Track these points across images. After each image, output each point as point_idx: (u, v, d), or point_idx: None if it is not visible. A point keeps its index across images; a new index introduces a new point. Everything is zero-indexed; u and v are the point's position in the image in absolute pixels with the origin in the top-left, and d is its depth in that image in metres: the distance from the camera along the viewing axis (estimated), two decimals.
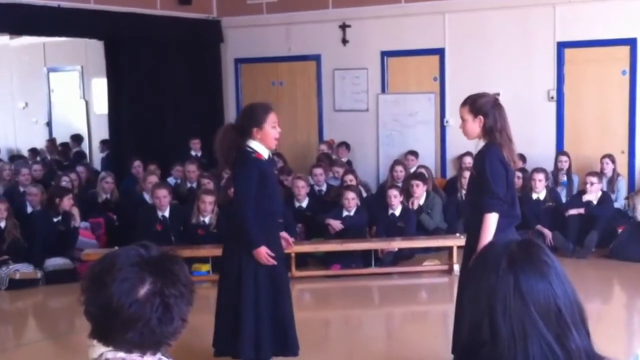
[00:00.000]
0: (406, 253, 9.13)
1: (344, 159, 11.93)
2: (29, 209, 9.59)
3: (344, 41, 12.36)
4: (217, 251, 6.50)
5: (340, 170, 10.73)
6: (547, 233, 9.30)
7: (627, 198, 9.99)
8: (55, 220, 8.98)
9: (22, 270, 8.46)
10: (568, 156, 10.50)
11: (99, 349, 1.97)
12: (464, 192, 9.81)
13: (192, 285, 2.01)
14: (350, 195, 9.21)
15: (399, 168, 10.50)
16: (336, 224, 9.13)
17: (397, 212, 9.25)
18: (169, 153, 12.07)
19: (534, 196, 9.57)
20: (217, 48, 13.32)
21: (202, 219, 8.95)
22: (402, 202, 9.34)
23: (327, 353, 6.37)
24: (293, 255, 8.40)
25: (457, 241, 8.41)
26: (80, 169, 12.02)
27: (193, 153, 12.19)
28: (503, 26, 11.13)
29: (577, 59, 10.83)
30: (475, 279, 1.89)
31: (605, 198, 9.51)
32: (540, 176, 9.58)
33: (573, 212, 9.36)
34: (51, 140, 15.03)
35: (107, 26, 11.45)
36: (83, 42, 13.82)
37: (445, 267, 8.72)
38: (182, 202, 9.88)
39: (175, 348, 2.04)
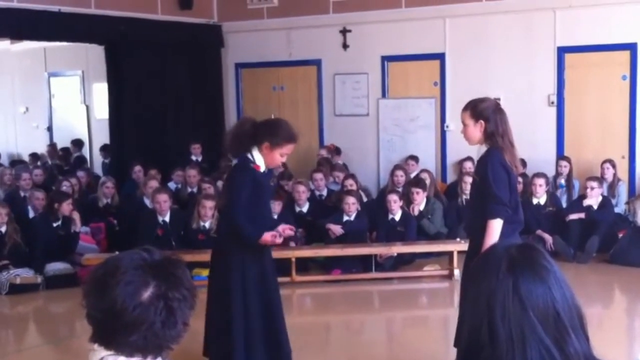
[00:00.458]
0: (407, 258, 9.13)
1: (339, 162, 11.93)
2: (32, 214, 9.58)
3: (345, 46, 12.38)
4: None
5: (340, 175, 10.74)
6: (548, 238, 9.30)
7: (627, 203, 9.98)
8: (55, 225, 8.99)
9: (23, 275, 8.46)
10: (569, 161, 10.50)
11: (99, 352, 1.96)
12: (464, 196, 9.84)
13: (195, 289, 2.01)
14: (351, 200, 9.21)
15: (400, 173, 10.50)
16: (336, 229, 9.13)
17: (397, 217, 9.25)
18: (169, 158, 12.09)
19: (535, 201, 9.58)
20: (217, 53, 13.33)
21: (202, 223, 8.96)
22: (402, 207, 9.33)
23: (328, 358, 6.36)
24: (293, 260, 8.42)
25: (458, 246, 8.42)
26: (80, 173, 12.03)
27: (194, 158, 12.20)
28: (503, 31, 11.14)
29: (578, 64, 10.84)
30: (475, 281, 1.89)
31: (606, 203, 9.52)
32: (540, 181, 9.59)
33: (574, 216, 9.37)
34: (52, 145, 15.04)
35: (107, 31, 11.47)
36: (84, 47, 13.84)
37: (446, 272, 8.71)
38: (182, 207, 9.89)
39: (175, 352, 2.05)
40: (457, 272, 8.37)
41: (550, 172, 10.36)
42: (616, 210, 9.84)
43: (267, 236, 5.06)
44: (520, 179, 9.43)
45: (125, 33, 11.57)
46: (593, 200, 9.42)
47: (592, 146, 10.86)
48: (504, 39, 11.15)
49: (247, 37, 13.07)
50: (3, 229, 8.71)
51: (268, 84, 13.22)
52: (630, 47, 10.48)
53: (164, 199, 9.01)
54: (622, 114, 10.64)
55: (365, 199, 10.37)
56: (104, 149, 14.14)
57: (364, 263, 8.84)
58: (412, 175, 10.80)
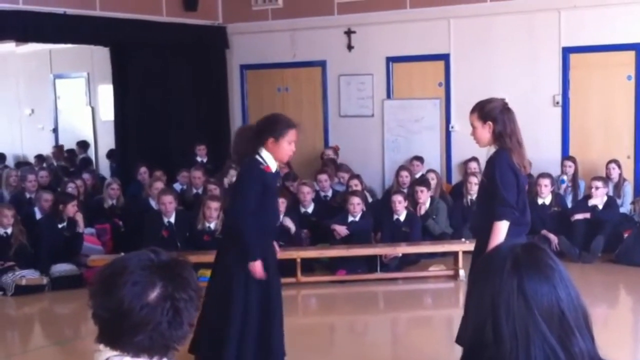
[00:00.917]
0: (412, 258, 9.13)
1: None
2: (39, 215, 9.58)
3: (349, 47, 12.38)
4: None
5: (345, 176, 10.74)
6: (553, 238, 9.29)
7: (633, 203, 9.98)
8: (60, 226, 9.01)
9: (28, 276, 8.47)
10: (574, 161, 10.49)
11: (105, 353, 1.97)
12: (469, 197, 9.84)
13: (200, 290, 2.03)
14: (356, 200, 9.22)
15: (405, 173, 10.51)
16: (341, 230, 9.13)
17: (402, 218, 9.25)
18: (174, 159, 12.10)
19: (540, 201, 9.57)
20: (222, 54, 13.34)
21: (207, 225, 8.96)
22: (407, 208, 9.34)
23: (332, 358, 6.37)
24: (299, 260, 8.42)
25: (463, 246, 8.42)
26: (86, 175, 12.07)
27: (199, 159, 12.21)
28: (508, 32, 11.13)
29: (583, 64, 10.82)
30: (480, 280, 1.90)
31: (611, 202, 9.51)
32: (545, 181, 9.59)
33: (579, 216, 9.36)
34: (57, 147, 15.07)
35: (113, 33, 11.48)
36: (89, 49, 13.85)
37: (451, 273, 8.71)
38: (187, 208, 9.90)
39: (179, 353, 2.06)
40: (462, 273, 8.37)
41: (556, 173, 10.35)
42: (622, 210, 9.83)
43: (259, 266, 5.04)
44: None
45: (130, 35, 11.59)
46: (598, 200, 9.41)
47: (597, 146, 10.85)
48: (508, 39, 11.14)
49: (251, 38, 13.09)
50: (9, 231, 8.73)
51: (273, 85, 13.23)
52: (635, 47, 10.46)
53: (169, 200, 9.02)
54: (628, 114, 10.62)
55: (370, 200, 10.38)
56: (110, 155, 14.17)
57: (369, 263, 8.84)
58: (417, 175, 10.80)
